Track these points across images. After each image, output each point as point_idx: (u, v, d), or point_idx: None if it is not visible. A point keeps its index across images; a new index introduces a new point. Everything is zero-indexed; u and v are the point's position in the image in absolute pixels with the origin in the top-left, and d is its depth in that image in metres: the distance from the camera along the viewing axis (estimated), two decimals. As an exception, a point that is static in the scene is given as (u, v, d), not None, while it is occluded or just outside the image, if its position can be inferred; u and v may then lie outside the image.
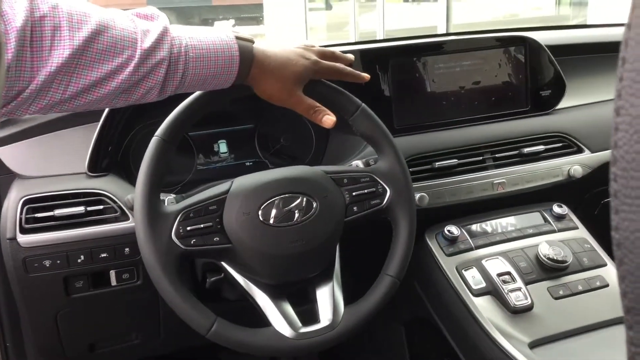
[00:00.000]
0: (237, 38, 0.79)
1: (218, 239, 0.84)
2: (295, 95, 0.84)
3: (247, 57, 0.79)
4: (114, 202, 0.98)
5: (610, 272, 1.10)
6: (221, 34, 0.78)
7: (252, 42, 0.81)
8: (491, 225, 1.18)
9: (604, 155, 1.25)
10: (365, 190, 0.91)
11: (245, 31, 0.85)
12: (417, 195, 1.09)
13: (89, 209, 0.97)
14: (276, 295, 0.88)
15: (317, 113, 0.85)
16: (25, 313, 1.02)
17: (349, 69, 0.91)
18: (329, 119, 0.85)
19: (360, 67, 1.17)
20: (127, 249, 0.98)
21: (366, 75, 0.92)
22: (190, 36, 0.75)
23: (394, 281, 0.91)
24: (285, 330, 0.84)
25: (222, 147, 1.18)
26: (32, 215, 0.95)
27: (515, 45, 1.24)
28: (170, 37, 0.73)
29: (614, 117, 0.25)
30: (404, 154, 0.97)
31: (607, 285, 1.08)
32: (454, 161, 1.16)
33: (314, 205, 0.87)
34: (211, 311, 0.83)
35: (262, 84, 0.82)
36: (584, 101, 1.34)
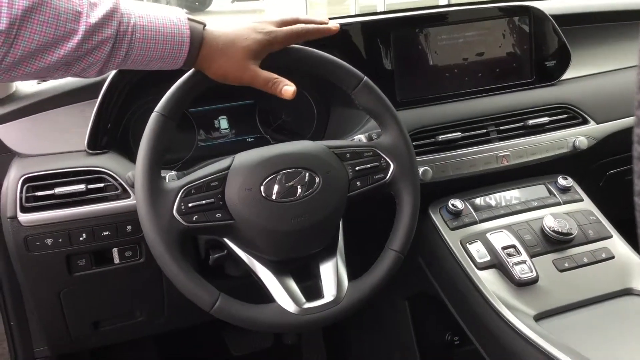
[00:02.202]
0: (190, 20, 0.77)
1: (220, 215, 0.83)
2: (249, 70, 0.80)
3: (197, 40, 0.76)
4: (115, 179, 0.97)
5: (615, 244, 1.10)
6: (174, 16, 0.75)
7: (204, 25, 0.79)
8: (495, 198, 1.17)
9: (610, 126, 1.24)
10: (369, 165, 0.90)
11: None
12: (421, 169, 1.07)
13: (89, 186, 0.96)
14: (280, 271, 0.87)
15: (276, 85, 0.82)
16: (28, 292, 1.02)
17: (309, 26, 0.85)
18: (287, 89, 0.81)
19: (361, 40, 1.15)
20: (129, 227, 0.97)
21: (333, 24, 0.87)
22: (141, 15, 0.73)
23: (398, 256, 0.90)
24: (289, 306, 0.84)
25: (223, 123, 1.17)
26: (32, 194, 0.94)
27: (519, 15, 1.22)
28: (120, 14, 0.70)
29: (638, 75, 0.24)
30: (407, 128, 0.95)
31: (612, 257, 1.07)
32: (458, 134, 1.14)
33: (317, 180, 0.86)
34: (215, 288, 0.82)
35: (213, 66, 0.79)
36: (589, 71, 1.32)
